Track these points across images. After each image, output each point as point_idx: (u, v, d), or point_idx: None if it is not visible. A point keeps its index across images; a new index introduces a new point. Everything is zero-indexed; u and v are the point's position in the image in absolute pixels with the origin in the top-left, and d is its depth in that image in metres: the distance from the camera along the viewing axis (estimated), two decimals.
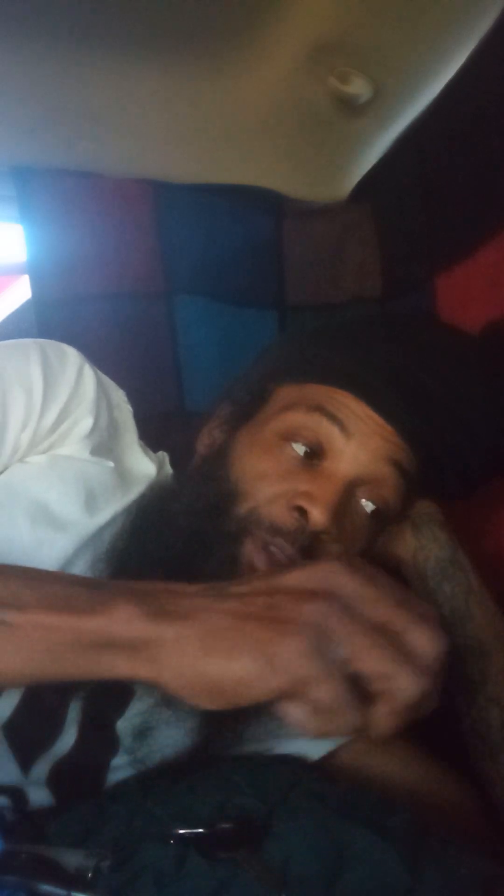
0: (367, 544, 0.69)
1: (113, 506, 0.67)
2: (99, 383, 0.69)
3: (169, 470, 0.75)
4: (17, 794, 0.62)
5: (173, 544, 0.64)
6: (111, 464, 0.69)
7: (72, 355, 0.68)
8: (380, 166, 1.02)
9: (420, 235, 0.99)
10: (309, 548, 0.63)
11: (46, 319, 0.98)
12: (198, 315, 1.04)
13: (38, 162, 0.97)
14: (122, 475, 0.71)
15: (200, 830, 0.54)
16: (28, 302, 1.05)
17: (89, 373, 0.68)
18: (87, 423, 0.68)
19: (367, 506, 0.67)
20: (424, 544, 0.72)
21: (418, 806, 0.63)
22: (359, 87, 0.91)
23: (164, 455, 0.77)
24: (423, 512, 0.73)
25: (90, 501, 0.66)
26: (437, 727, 0.73)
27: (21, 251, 0.99)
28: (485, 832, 0.64)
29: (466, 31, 0.80)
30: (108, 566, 0.64)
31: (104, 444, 0.70)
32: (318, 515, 0.62)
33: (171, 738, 0.65)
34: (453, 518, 0.74)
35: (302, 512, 0.63)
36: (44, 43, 0.84)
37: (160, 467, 0.74)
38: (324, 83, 0.91)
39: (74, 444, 0.68)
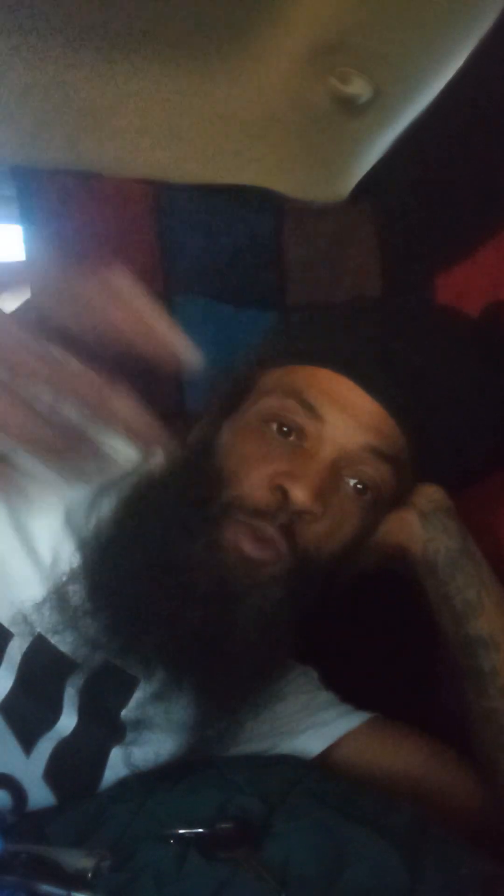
0: (360, 528, 0.68)
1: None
2: None
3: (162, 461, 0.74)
4: (17, 791, 0.62)
5: (156, 531, 0.64)
6: None
7: None
8: (380, 166, 1.02)
9: (420, 235, 0.99)
10: (290, 526, 0.63)
11: None
12: (198, 315, 1.04)
13: (38, 162, 0.96)
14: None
15: (200, 830, 0.54)
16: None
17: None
18: None
19: (351, 482, 0.66)
20: (434, 535, 0.69)
21: (421, 798, 0.63)
22: (359, 87, 0.91)
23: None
24: (432, 499, 0.71)
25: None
26: (443, 715, 0.74)
27: (21, 251, 0.99)
28: (488, 829, 0.64)
29: (466, 31, 0.80)
30: (92, 553, 0.64)
31: None
32: (299, 494, 0.62)
33: (162, 738, 0.65)
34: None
35: (284, 492, 0.63)
36: (44, 43, 0.84)
37: (150, 456, 0.73)
38: (324, 83, 0.91)
39: None
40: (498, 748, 0.66)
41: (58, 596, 0.63)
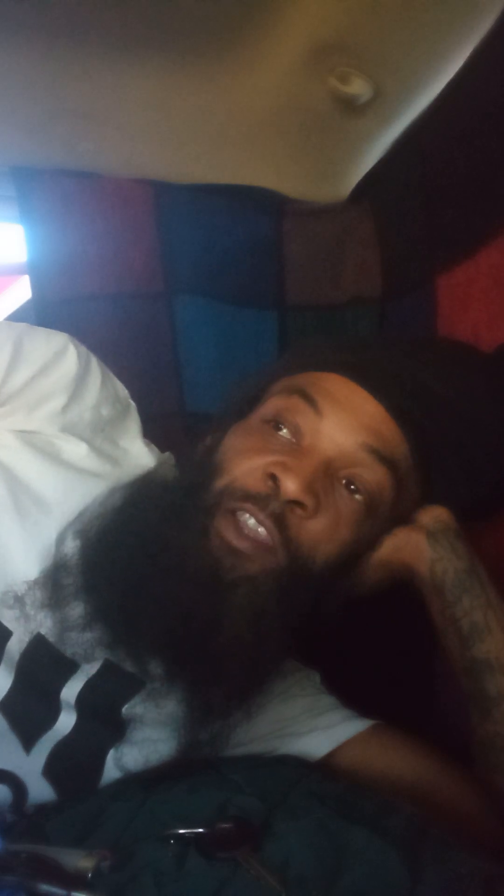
0: (357, 535, 0.67)
1: (97, 474, 0.69)
2: (88, 367, 0.70)
3: (173, 469, 0.76)
4: (17, 785, 0.63)
5: (150, 517, 0.65)
6: (84, 444, 0.70)
7: (59, 336, 0.70)
8: (380, 166, 1.02)
9: (420, 235, 0.99)
10: (281, 517, 0.63)
11: (46, 319, 0.98)
12: (198, 315, 1.04)
13: (38, 162, 0.96)
14: (112, 455, 0.72)
15: (200, 830, 0.54)
16: (28, 302, 1.05)
17: (73, 354, 0.69)
18: (59, 400, 0.69)
19: (346, 483, 0.66)
20: (442, 555, 0.69)
21: (422, 804, 0.63)
22: (359, 87, 0.91)
23: (169, 455, 0.77)
24: (439, 519, 0.71)
25: (67, 475, 0.68)
26: (444, 736, 0.73)
27: (21, 251, 0.99)
28: (487, 832, 0.64)
29: (466, 31, 0.80)
30: (89, 537, 0.65)
31: (81, 426, 0.71)
32: (290, 483, 0.63)
33: (153, 741, 0.65)
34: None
35: (275, 480, 0.64)
36: (44, 43, 0.84)
37: (163, 463, 0.75)
38: (324, 83, 0.91)
39: (43, 419, 0.69)
40: (500, 771, 0.65)
41: (50, 576, 0.64)
